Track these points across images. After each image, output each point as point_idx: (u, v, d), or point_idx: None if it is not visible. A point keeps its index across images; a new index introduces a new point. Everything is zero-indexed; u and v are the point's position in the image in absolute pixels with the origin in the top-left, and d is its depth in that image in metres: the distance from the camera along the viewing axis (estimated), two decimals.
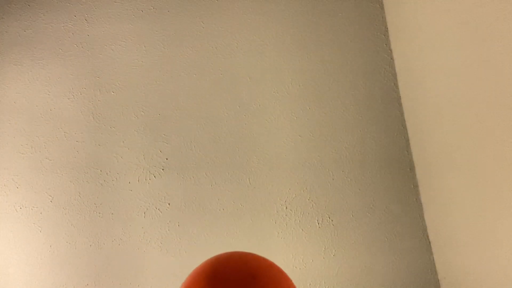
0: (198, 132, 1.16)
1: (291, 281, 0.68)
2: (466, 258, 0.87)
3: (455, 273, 0.95)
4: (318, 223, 1.09)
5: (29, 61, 1.23)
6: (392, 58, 1.15)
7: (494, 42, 0.66)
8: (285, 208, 1.10)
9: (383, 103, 1.13)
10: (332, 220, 1.09)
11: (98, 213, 1.13)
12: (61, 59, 1.23)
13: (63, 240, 1.12)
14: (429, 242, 1.06)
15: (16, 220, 1.14)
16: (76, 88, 1.21)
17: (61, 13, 1.26)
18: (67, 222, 1.13)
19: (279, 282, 0.66)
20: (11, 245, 1.13)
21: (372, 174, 1.10)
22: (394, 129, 1.12)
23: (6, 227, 1.14)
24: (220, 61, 1.19)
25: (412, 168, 1.10)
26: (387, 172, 1.10)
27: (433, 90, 0.92)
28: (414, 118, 1.07)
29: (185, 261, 1.08)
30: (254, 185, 1.11)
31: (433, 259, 1.05)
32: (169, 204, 1.12)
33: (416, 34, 0.98)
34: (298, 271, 1.07)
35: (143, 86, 1.19)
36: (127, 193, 1.13)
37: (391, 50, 1.15)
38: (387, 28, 1.16)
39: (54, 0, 1.27)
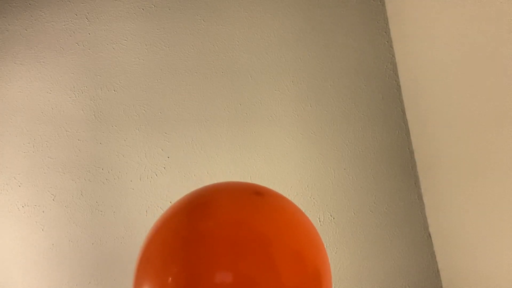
0: (199, 130, 1.16)
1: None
2: (468, 255, 0.87)
3: (456, 271, 0.95)
4: (320, 221, 1.09)
5: (30, 60, 1.23)
6: (393, 56, 1.15)
7: (498, 37, 0.66)
8: None
9: (384, 101, 1.13)
10: (333, 218, 1.09)
11: (100, 212, 1.13)
12: (62, 58, 1.23)
13: (65, 239, 1.12)
14: (431, 240, 1.06)
15: (19, 219, 1.14)
16: (78, 86, 1.21)
17: (62, 11, 1.26)
18: (69, 220, 1.13)
19: (286, 200, 0.59)
20: (13, 244, 1.13)
21: (374, 172, 1.10)
22: (395, 127, 1.12)
23: (8, 226, 1.14)
24: (221, 59, 1.19)
25: (413, 165, 1.10)
26: (388, 170, 1.10)
27: (434, 88, 0.92)
28: (415, 116, 1.07)
29: None
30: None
31: (435, 257, 1.05)
32: (170, 202, 1.12)
33: (417, 31, 0.97)
34: None
35: (144, 84, 1.19)
36: (128, 192, 1.14)
37: (392, 47, 1.15)
38: (388, 25, 1.16)
39: None
